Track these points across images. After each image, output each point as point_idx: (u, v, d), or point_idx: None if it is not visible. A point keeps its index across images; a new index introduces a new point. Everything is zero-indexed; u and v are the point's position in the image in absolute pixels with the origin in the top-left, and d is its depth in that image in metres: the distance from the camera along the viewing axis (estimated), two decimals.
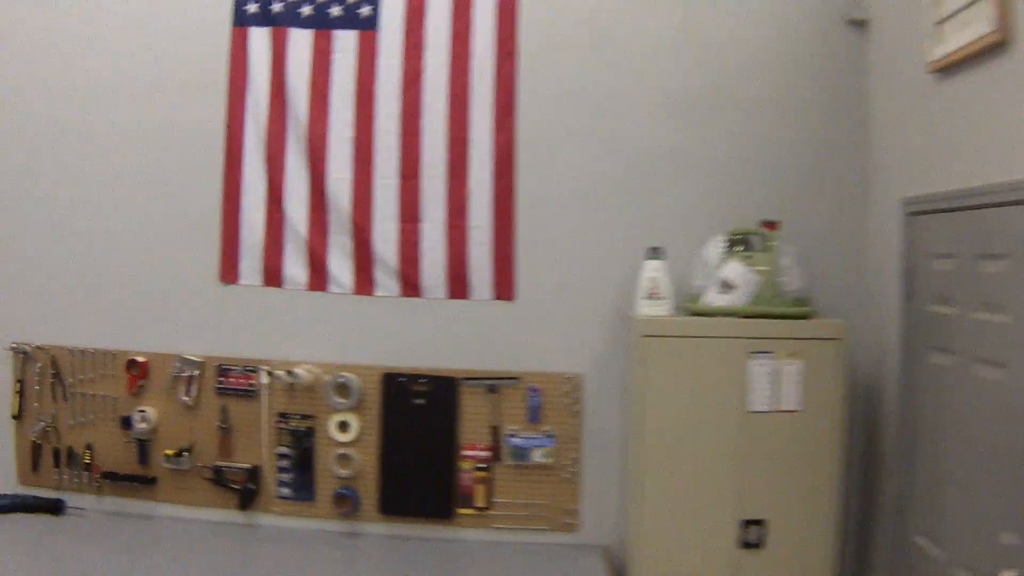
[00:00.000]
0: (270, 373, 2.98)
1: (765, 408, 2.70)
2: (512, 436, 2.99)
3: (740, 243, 2.82)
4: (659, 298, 2.78)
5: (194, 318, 3.13)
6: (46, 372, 3.11)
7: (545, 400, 2.98)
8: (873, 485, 2.84)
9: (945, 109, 2.43)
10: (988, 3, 2.09)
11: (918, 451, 2.54)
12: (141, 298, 3.16)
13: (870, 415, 2.84)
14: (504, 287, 2.98)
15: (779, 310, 2.75)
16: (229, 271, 3.04)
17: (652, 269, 2.81)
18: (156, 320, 3.15)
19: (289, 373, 2.96)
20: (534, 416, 2.98)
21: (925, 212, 2.54)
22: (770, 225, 2.87)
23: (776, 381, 2.71)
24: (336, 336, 3.04)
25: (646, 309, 2.79)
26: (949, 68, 2.37)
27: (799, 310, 2.76)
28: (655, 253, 2.81)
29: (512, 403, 2.99)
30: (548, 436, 2.98)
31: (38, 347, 3.12)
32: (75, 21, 3.17)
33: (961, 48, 2.27)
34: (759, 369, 2.71)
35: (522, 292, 3.01)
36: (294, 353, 3.03)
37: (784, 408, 2.71)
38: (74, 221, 3.17)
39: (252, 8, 3.04)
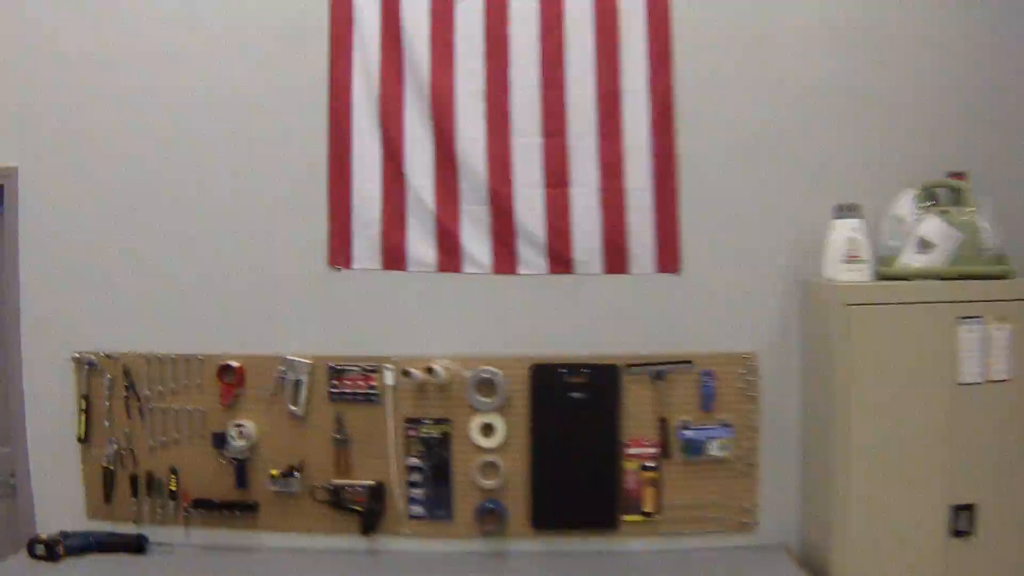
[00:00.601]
0: (406, 372, 2.54)
1: (976, 379, 2.47)
2: (684, 428, 2.62)
3: (934, 197, 2.61)
4: (859, 261, 2.48)
5: (299, 311, 2.74)
6: (118, 385, 2.65)
7: (719, 385, 2.61)
8: None
9: None
10: None
11: None
12: (232, 291, 2.75)
13: None
14: (668, 258, 2.63)
15: (982, 270, 2.53)
16: (340, 253, 2.62)
17: (849, 228, 2.51)
18: (252, 316, 2.75)
19: (428, 371, 2.52)
20: (707, 404, 2.63)
21: None
22: (958, 176, 2.57)
23: (985, 348, 2.48)
24: (474, 324, 2.65)
25: (845, 274, 2.47)
26: None
27: (1002, 269, 2.55)
28: (849, 211, 2.51)
29: (682, 390, 2.64)
30: (724, 425, 2.62)
31: (107, 356, 2.65)
32: None
33: None
34: (968, 336, 2.48)
35: (687, 262, 2.64)
36: (424, 347, 2.64)
37: (994, 378, 2.48)
38: (144, 199, 2.75)
39: None
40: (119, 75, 2.71)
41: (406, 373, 2.58)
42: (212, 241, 2.73)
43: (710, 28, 2.72)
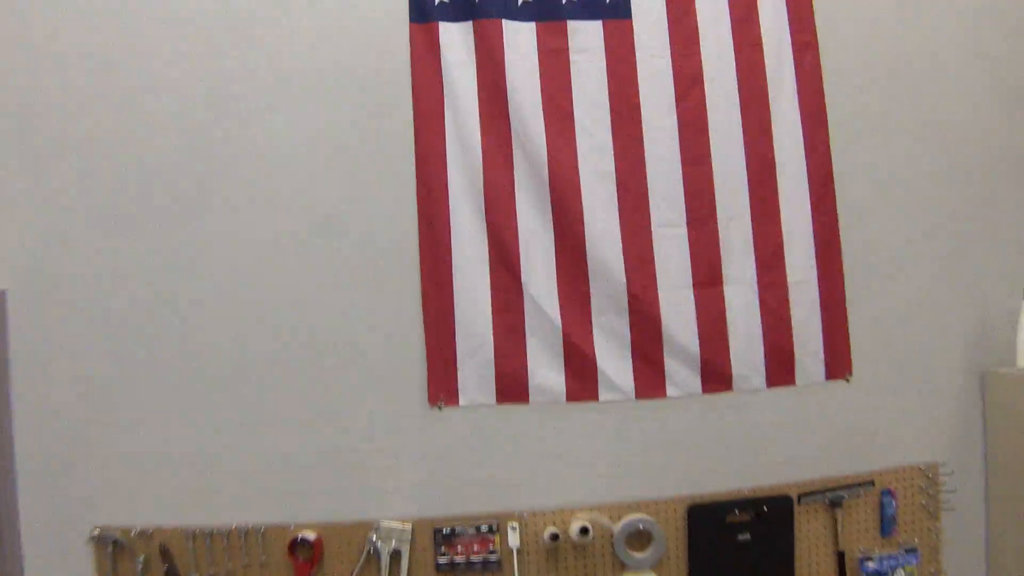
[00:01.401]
0: (554, 536, 2.04)
1: None
2: (865, 559, 2.23)
3: None
4: None
5: (392, 463, 2.21)
6: (154, 568, 2.00)
7: (900, 504, 2.24)
8: None
9: None
10: None
11: None
12: (302, 443, 2.19)
13: None
14: (838, 361, 2.26)
15: None
16: (443, 387, 2.10)
17: None
18: (330, 474, 2.20)
19: (581, 531, 2.03)
20: (888, 528, 2.25)
21: None
22: None
23: None
24: (616, 464, 2.22)
25: None
26: None
27: None
28: None
29: (860, 516, 2.29)
30: (909, 551, 2.24)
31: (137, 532, 2.01)
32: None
33: None
34: None
35: (857, 365, 2.24)
36: (555, 498, 2.18)
37: None
38: (184, 316, 2.17)
39: None
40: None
41: (555, 536, 2.07)
42: (273, 375, 2.18)
43: (864, 82, 2.40)
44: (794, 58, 2.30)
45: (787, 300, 2.25)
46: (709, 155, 2.23)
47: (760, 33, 2.29)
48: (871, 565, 2.33)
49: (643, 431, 2.24)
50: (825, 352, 2.29)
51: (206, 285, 2.12)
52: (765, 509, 2.24)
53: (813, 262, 2.28)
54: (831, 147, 2.34)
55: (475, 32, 2.18)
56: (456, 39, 2.18)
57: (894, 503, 2.34)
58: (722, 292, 2.23)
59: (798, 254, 2.27)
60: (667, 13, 2.26)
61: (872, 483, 2.32)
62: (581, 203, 2.19)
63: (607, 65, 2.22)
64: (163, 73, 2.13)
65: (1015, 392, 2.32)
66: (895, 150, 2.38)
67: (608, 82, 2.22)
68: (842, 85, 2.34)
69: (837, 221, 2.31)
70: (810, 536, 2.30)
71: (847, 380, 2.33)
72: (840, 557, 2.32)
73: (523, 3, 2.22)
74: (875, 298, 2.35)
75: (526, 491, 2.21)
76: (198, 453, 2.12)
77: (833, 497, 2.31)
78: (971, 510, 2.40)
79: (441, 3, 2.20)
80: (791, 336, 2.25)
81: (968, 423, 2.41)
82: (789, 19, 2.32)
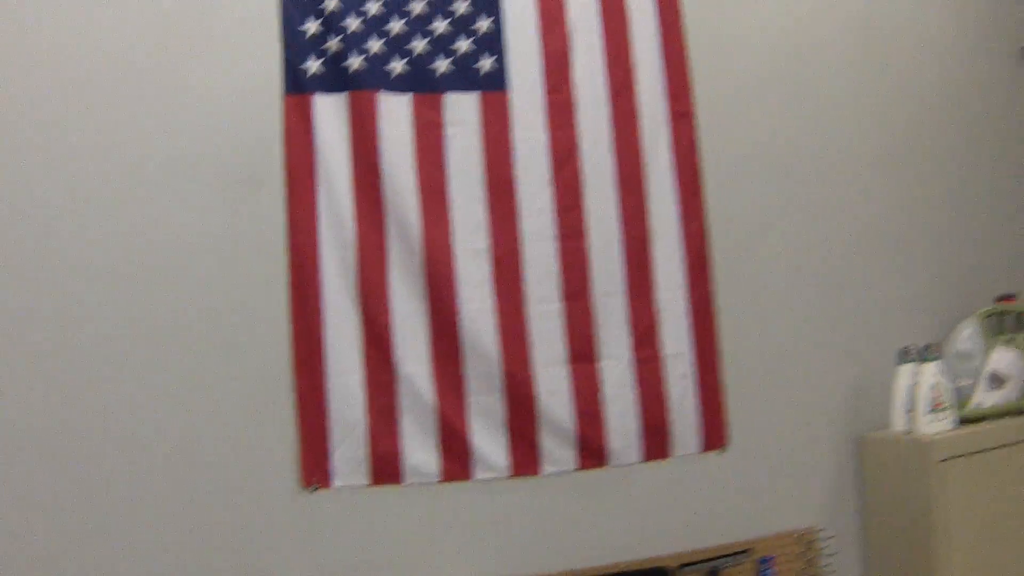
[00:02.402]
0: None
1: None
2: None
3: (997, 325, 2.59)
4: (944, 408, 2.34)
5: (260, 551, 2.22)
6: None
7: (779, 571, 2.39)
8: None
9: None
10: None
11: None
12: (172, 529, 2.18)
13: None
14: (714, 432, 2.40)
15: None
16: (315, 469, 2.18)
17: (923, 373, 2.35)
18: (202, 560, 2.19)
19: None
20: None
21: None
22: (1009, 299, 2.51)
23: None
24: (491, 543, 2.28)
25: (930, 426, 2.31)
26: None
27: None
28: (922, 353, 2.35)
29: None
30: None
31: None
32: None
33: None
34: None
35: (734, 435, 2.38)
36: None
37: None
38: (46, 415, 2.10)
39: (314, 67, 2.17)
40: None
41: None
42: (139, 473, 2.15)
43: (742, 156, 2.55)
44: (671, 129, 2.40)
45: (662, 374, 2.36)
46: (584, 230, 2.32)
47: (636, 105, 2.37)
48: None
49: (519, 508, 2.33)
50: (700, 424, 2.41)
51: (70, 377, 2.11)
52: None
53: (688, 335, 2.40)
54: (708, 219, 2.42)
55: (350, 104, 2.24)
56: (330, 111, 2.24)
57: (773, 570, 2.45)
58: (597, 367, 2.31)
59: (673, 327, 2.38)
60: (544, 85, 2.33)
61: (749, 551, 2.43)
62: (455, 281, 2.25)
63: (482, 139, 2.29)
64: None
65: (890, 456, 2.48)
66: (772, 222, 2.51)
67: (483, 156, 2.30)
68: (720, 157, 2.44)
69: (712, 294, 2.41)
70: None
71: (723, 450, 2.43)
72: None
73: (398, 75, 2.27)
74: (751, 368, 2.48)
75: (401, 573, 2.25)
76: (61, 552, 2.12)
77: (711, 567, 2.41)
78: (850, 574, 2.53)
79: (315, 75, 2.24)
80: (666, 409, 2.37)
81: (845, 487, 2.57)
82: (666, 90, 2.42)
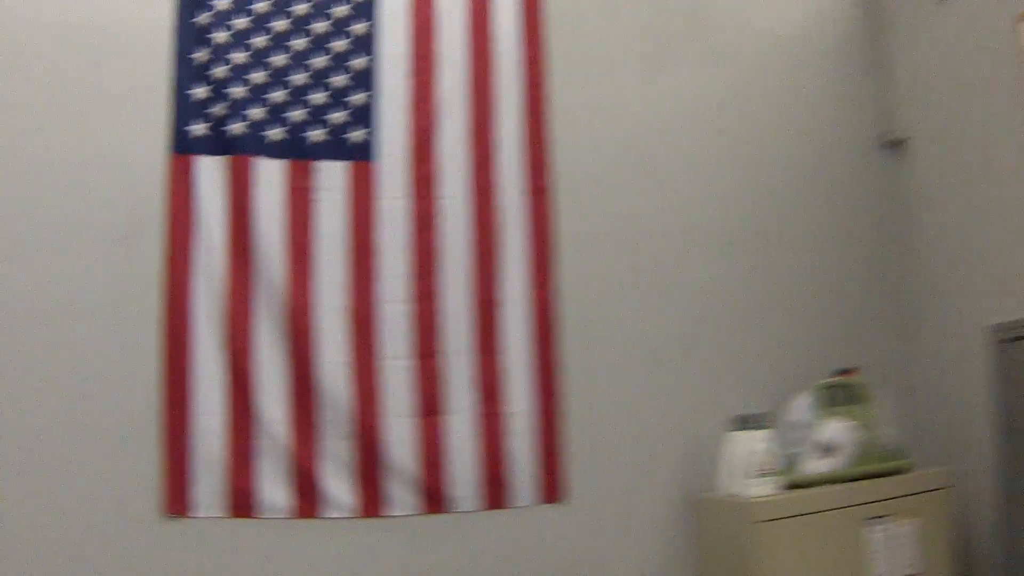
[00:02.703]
0: None
1: None
2: None
3: (829, 397, 3.37)
4: (768, 474, 3.19)
5: (125, 571, 3.02)
6: None
7: None
8: None
9: None
10: None
11: None
12: (38, 547, 2.98)
13: (980, 564, 3.53)
14: (552, 487, 3.23)
15: (886, 467, 3.36)
16: (177, 499, 3.01)
17: (752, 440, 3.20)
18: None
19: None
20: None
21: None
22: (848, 373, 3.43)
23: (894, 546, 3.29)
24: None
25: (754, 489, 3.19)
26: None
27: (904, 463, 3.39)
28: (753, 422, 3.23)
29: None
30: None
31: None
32: None
33: None
34: (877, 536, 3.26)
35: (574, 489, 3.26)
36: None
37: (905, 573, 3.29)
38: None
39: (199, 129, 3.03)
40: None
41: None
42: (12, 485, 2.95)
43: (595, 231, 3.42)
44: (526, 203, 3.28)
45: (503, 429, 3.20)
46: (437, 294, 3.19)
47: (495, 179, 3.26)
48: None
49: (366, 547, 3.10)
50: (539, 478, 3.24)
51: None
52: None
53: (530, 394, 3.24)
54: (560, 288, 3.33)
55: (229, 166, 3.07)
56: (211, 172, 3.04)
57: None
58: (442, 420, 3.19)
59: (517, 387, 3.22)
60: (409, 157, 3.20)
61: None
62: (314, 335, 3.12)
63: (349, 205, 3.14)
64: None
65: (719, 516, 3.26)
66: (623, 292, 3.35)
67: (348, 221, 3.13)
68: (576, 230, 3.33)
69: (556, 358, 3.29)
70: None
71: (562, 505, 3.32)
72: None
73: (276, 141, 3.13)
74: (594, 428, 3.27)
75: None
76: None
77: None
78: None
79: (199, 137, 3.11)
80: (505, 463, 3.19)
81: (679, 544, 3.36)
82: (525, 166, 3.29)
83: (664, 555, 3.31)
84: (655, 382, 3.37)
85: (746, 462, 3.14)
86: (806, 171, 3.59)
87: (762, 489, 3.17)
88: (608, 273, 3.28)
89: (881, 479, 3.27)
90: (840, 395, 3.30)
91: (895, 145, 3.71)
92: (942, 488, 3.37)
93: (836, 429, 3.22)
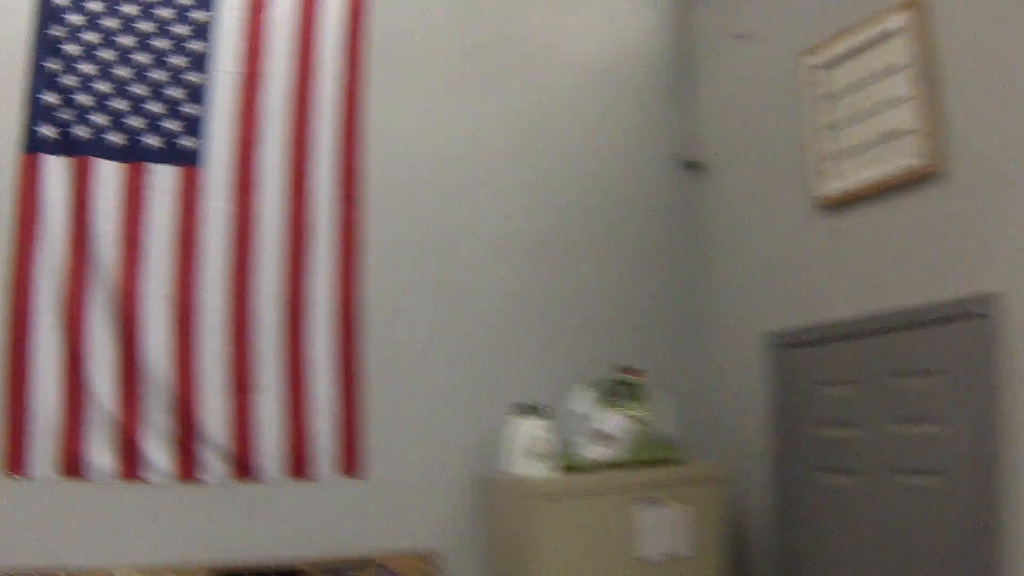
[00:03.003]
0: None
1: (655, 557, 3.88)
2: None
3: (610, 392, 4.00)
4: (544, 457, 3.68)
5: None
6: None
7: None
8: None
9: (828, 244, 3.89)
10: (907, 139, 3.52)
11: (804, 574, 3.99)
12: None
13: (750, 551, 4.23)
14: (350, 462, 3.82)
15: (659, 457, 4.00)
16: (15, 460, 3.52)
17: (533, 426, 3.81)
18: None
19: None
20: None
21: (798, 343, 4.03)
22: (633, 371, 4.00)
23: (663, 529, 3.90)
24: (157, 533, 3.72)
25: (530, 470, 3.83)
26: (841, 203, 3.82)
27: (677, 455, 4.06)
28: (529, 409, 3.84)
29: None
30: None
31: None
32: None
33: (864, 181, 3.71)
34: (646, 518, 3.88)
35: (372, 466, 3.77)
36: (103, 558, 3.58)
37: (673, 554, 3.90)
38: None
39: (48, 132, 3.59)
40: None
41: None
42: None
43: (402, 238, 4.05)
44: (337, 210, 3.78)
45: (307, 409, 3.76)
46: (251, 287, 3.72)
47: (309, 187, 3.76)
48: None
49: (181, 508, 3.75)
50: (339, 454, 3.83)
51: None
52: None
53: (333, 380, 3.81)
54: (367, 286, 3.79)
55: (74, 166, 3.66)
56: (56, 171, 3.67)
57: None
58: (252, 399, 3.71)
59: (322, 373, 3.82)
60: (233, 165, 3.73)
61: (367, 562, 3.82)
62: (141, 320, 3.66)
63: (177, 205, 3.72)
64: None
65: (500, 494, 3.96)
66: (427, 291, 3.95)
67: (176, 220, 3.72)
68: (385, 234, 4.00)
69: (359, 348, 3.84)
70: None
71: (361, 478, 3.80)
72: None
73: (115, 146, 3.70)
74: (392, 414, 4.00)
75: (81, 552, 3.68)
76: None
77: (336, 572, 3.79)
78: None
79: (46, 138, 3.64)
80: (309, 439, 3.77)
81: (466, 518, 4.00)
82: (338, 177, 3.83)
83: (454, 528, 3.95)
84: (450, 374, 4.13)
85: (527, 446, 3.65)
86: (608, 188, 4.25)
87: (540, 471, 3.86)
88: (412, 276, 3.96)
89: (655, 468, 3.95)
90: (622, 390, 3.84)
91: (693, 167, 4.21)
92: (715, 480, 4.05)
93: (615, 421, 3.75)
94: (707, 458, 4.19)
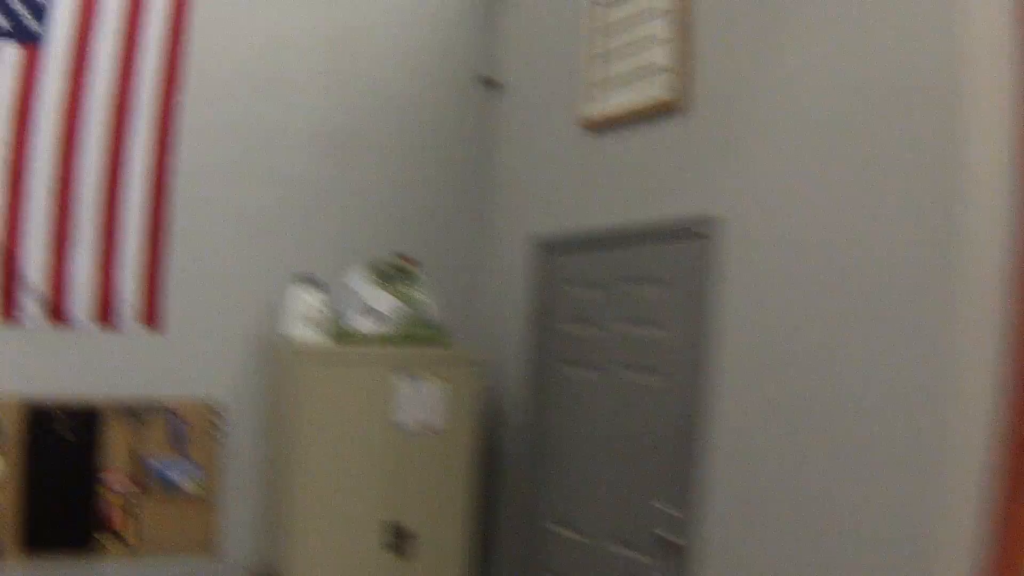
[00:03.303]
0: None
1: (411, 426, 4.51)
2: (157, 465, 4.31)
3: (385, 274, 4.65)
4: (313, 323, 4.30)
5: None
6: None
7: (191, 429, 4.37)
8: (505, 488, 4.97)
9: (589, 162, 4.50)
10: (661, 74, 4.04)
11: (550, 454, 4.66)
12: None
13: (503, 430, 4.98)
14: (151, 315, 4.46)
15: (422, 336, 4.63)
16: None
17: (307, 296, 4.39)
18: None
19: None
20: (179, 445, 4.40)
21: (559, 248, 4.66)
22: (409, 259, 4.73)
23: (420, 401, 4.54)
24: None
25: (300, 333, 4.44)
26: (598, 125, 4.42)
27: (438, 337, 4.70)
28: (307, 280, 4.40)
29: (159, 434, 4.37)
30: (194, 464, 4.34)
31: None
32: None
33: (621, 107, 4.26)
34: (405, 390, 4.50)
35: (171, 320, 4.39)
36: None
37: (428, 426, 4.54)
38: None
39: None
40: None
41: None
42: None
43: (217, 123, 4.68)
44: (160, 92, 4.43)
45: (118, 264, 4.35)
46: (75, 154, 4.33)
47: (135, 72, 4.36)
48: (161, 469, 4.41)
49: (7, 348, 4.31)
50: (143, 307, 4.39)
51: None
52: (76, 413, 4.29)
53: (144, 240, 4.45)
54: (179, 161, 4.39)
55: None
56: None
57: (185, 428, 4.41)
58: (68, 252, 4.27)
59: (132, 233, 4.45)
60: (71, 45, 4.35)
61: (159, 406, 4.42)
62: None
63: (19, 78, 4.29)
64: None
65: (279, 355, 4.66)
66: (230, 177, 4.67)
67: (17, 91, 4.32)
68: (198, 122, 4.62)
69: (166, 213, 4.47)
70: (118, 441, 4.40)
71: (159, 331, 4.39)
72: (140, 460, 4.39)
73: None
74: (193, 277, 4.62)
75: None
76: None
77: (133, 413, 4.39)
78: (244, 439, 4.64)
79: None
80: (114, 292, 4.33)
81: (252, 375, 4.56)
82: (164, 65, 4.45)
83: (238, 382, 4.76)
84: (247, 245, 4.83)
85: (304, 313, 4.23)
86: (411, 96, 5.14)
87: (308, 335, 4.47)
88: (223, 156, 4.70)
89: (418, 347, 4.58)
90: (396, 274, 4.45)
91: (491, 84, 4.86)
92: (473, 363, 4.69)
93: (386, 300, 4.28)
94: (472, 344, 4.91)
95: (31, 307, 4.40)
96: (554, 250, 4.70)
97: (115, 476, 4.47)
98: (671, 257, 3.97)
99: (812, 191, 3.25)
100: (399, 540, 4.45)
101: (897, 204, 2.93)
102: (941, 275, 2.79)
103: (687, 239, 3.87)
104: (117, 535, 4.49)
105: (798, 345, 3.28)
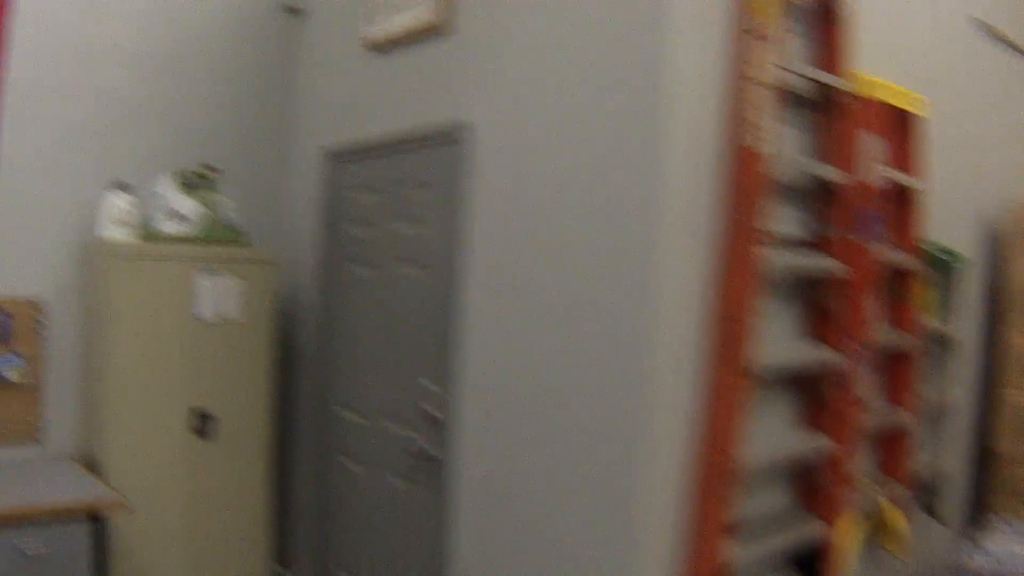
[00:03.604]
0: None
1: (211, 318, 5.16)
2: None
3: (189, 181, 5.26)
4: (124, 225, 4.93)
5: None
6: None
7: (15, 324, 4.84)
8: (300, 376, 5.70)
9: (372, 80, 5.13)
10: None
11: (337, 344, 5.38)
12: None
13: (297, 323, 5.68)
14: None
15: (222, 237, 5.27)
16: None
17: (117, 199, 4.98)
18: None
19: None
20: (6, 339, 4.81)
21: (345, 158, 5.33)
22: (212, 168, 5.38)
23: (220, 295, 5.19)
24: None
25: (112, 234, 5.04)
26: (380, 45, 5.06)
27: (238, 238, 5.36)
28: (120, 185, 5.06)
29: None
30: (17, 356, 4.82)
31: None
32: None
33: (398, 29, 4.89)
34: (205, 285, 5.15)
35: None
36: None
37: (227, 318, 5.20)
38: None
39: None
40: None
41: None
42: None
43: (45, 43, 5.09)
44: None
45: None
46: None
47: None
48: None
49: None
50: None
51: None
52: None
53: None
54: (9, 80, 4.85)
55: None
56: None
57: (8, 321, 4.88)
58: None
59: None
60: None
61: None
62: None
63: None
64: None
65: (95, 254, 5.17)
66: (54, 91, 5.12)
67: None
68: (28, 41, 5.01)
69: None
70: None
71: None
72: None
73: None
74: (19, 179, 5.08)
75: None
76: None
77: None
78: (68, 332, 5.27)
79: None
80: None
81: (70, 273, 5.22)
82: None
83: (60, 281, 5.28)
84: (70, 152, 5.19)
85: (115, 215, 4.73)
86: (223, 21, 5.72)
87: (117, 235, 5.03)
88: (51, 76, 5.06)
89: (218, 246, 5.18)
90: (199, 181, 5.02)
91: (293, 11, 5.48)
92: (268, 262, 5.35)
93: (189, 204, 4.84)
94: (269, 245, 5.57)
95: None
96: (341, 159, 5.38)
97: None
98: (433, 162, 4.62)
99: (548, 106, 3.94)
100: (204, 424, 5.04)
101: (613, 129, 3.62)
102: (648, 194, 3.48)
103: (445, 145, 4.52)
104: None
105: (533, 239, 3.98)
